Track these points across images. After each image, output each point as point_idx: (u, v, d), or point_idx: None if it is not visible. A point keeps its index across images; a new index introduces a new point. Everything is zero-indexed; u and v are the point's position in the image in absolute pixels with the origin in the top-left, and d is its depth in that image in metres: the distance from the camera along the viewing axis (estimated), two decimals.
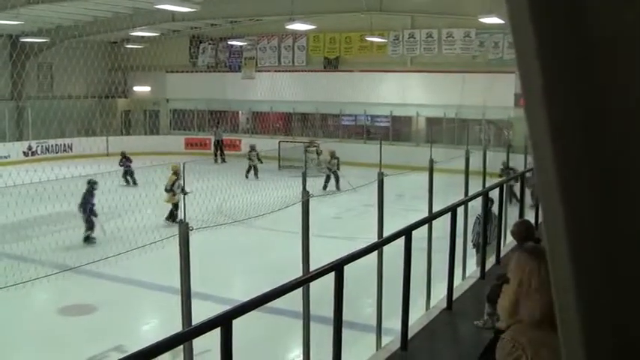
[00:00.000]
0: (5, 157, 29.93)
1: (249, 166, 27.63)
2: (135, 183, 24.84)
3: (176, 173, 18.84)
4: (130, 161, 26.01)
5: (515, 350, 2.63)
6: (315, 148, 28.54)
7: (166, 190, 18.81)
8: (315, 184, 17.69)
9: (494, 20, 22.82)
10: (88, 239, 16.46)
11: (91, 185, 17.24)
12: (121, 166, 25.76)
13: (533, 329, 2.64)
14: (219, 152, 33.15)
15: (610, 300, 0.73)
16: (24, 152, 31.37)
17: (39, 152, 31.87)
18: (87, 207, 16.83)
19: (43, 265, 12.49)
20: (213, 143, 33.84)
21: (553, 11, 0.69)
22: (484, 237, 11.10)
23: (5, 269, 11.58)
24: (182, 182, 17.45)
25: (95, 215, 16.81)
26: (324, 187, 23.59)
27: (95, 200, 16.92)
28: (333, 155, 25.08)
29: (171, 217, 18.55)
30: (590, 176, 0.71)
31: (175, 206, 18.62)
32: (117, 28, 29.79)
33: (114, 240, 13.43)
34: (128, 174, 25.41)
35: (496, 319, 7.19)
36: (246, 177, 26.78)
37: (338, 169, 24.70)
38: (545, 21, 0.69)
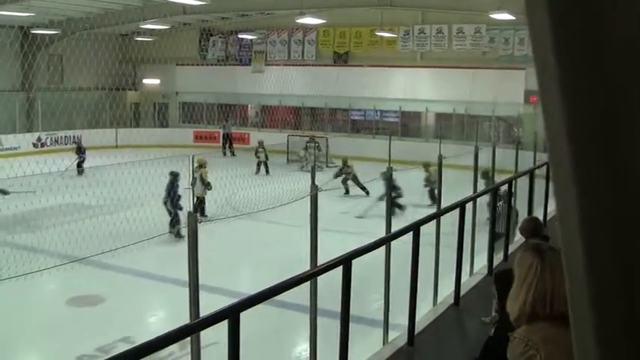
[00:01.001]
0: (15, 148, 30.05)
1: (259, 163, 27.18)
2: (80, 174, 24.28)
3: (204, 166, 18.53)
4: (83, 153, 25.75)
5: (529, 349, 2.60)
6: (316, 144, 28.51)
7: (209, 185, 18.20)
8: (320, 178, 17.50)
9: (504, 16, 22.75)
10: (179, 234, 15.79)
11: (174, 177, 16.78)
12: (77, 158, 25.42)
13: (546, 327, 2.62)
14: (227, 145, 33.14)
15: (624, 298, 0.73)
16: (34, 143, 31.46)
17: (48, 144, 31.94)
18: (172, 200, 16.56)
19: (51, 256, 12.54)
20: (222, 136, 33.84)
21: (572, 9, 0.69)
22: (492, 232, 11.08)
23: (15, 259, 11.65)
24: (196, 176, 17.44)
25: (180, 208, 16.42)
26: (347, 192, 22.32)
27: (179, 192, 16.67)
28: (345, 163, 22.50)
29: (201, 211, 18.03)
30: (606, 175, 0.71)
31: (202, 200, 18.16)
32: (127, 21, 29.79)
33: (123, 232, 13.46)
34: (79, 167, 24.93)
35: (500, 314, 7.19)
36: (257, 173, 26.33)
37: (354, 178, 22.14)
38: (564, 19, 0.69)
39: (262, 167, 27.20)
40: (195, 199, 17.81)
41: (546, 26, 0.70)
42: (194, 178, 18.28)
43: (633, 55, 0.68)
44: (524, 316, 2.73)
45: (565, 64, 0.70)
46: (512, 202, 12.11)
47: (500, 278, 6.34)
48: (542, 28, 0.70)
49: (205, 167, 18.40)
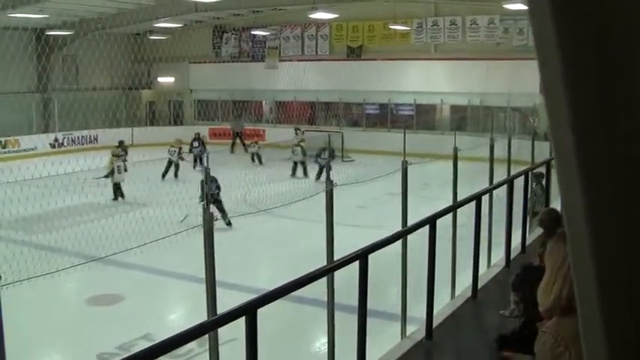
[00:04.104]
0: (33, 149, 30.26)
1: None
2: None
3: (117, 155, 20.19)
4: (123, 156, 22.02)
5: (558, 346, 2.54)
6: (299, 137, 28.65)
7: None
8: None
9: (518, 6, 22.62)
10: (229, 223, 16.13)
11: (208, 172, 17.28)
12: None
13: (575, 322, 2.54)
14: (240, 143, 33.02)
15: (631, 291, 0.73)
16: (50, 144, 31.67)
17: (65, 144, 32.14)
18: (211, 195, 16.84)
19: (70, 256, 12.61)
20: (232, 134, 33.75)
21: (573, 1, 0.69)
22: (509, 224, 11.03)
23: (33, 259, 11.71)
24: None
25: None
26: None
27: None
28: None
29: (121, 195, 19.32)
30: (610, 165, 0.71)
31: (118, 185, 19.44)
32: (140, 20, 29.88)
33: (139, 231, 13.52)
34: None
35: (522, 307, 7.14)
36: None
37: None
38: (565, 10, 0.69)
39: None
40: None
41: (548, 15, 0.69)
42: (112, 168, 19.15)
43: (636, 44, 0.67)
44: (558, 308, 2.66)
45: (567, 54, 0.70)
46: (539, 181, 12.34)
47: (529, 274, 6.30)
48: (544, 17, 0.70)
49: (117, 155, 20.21)
